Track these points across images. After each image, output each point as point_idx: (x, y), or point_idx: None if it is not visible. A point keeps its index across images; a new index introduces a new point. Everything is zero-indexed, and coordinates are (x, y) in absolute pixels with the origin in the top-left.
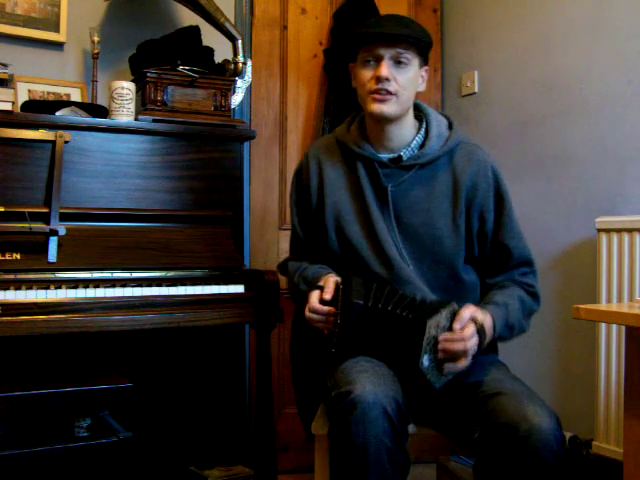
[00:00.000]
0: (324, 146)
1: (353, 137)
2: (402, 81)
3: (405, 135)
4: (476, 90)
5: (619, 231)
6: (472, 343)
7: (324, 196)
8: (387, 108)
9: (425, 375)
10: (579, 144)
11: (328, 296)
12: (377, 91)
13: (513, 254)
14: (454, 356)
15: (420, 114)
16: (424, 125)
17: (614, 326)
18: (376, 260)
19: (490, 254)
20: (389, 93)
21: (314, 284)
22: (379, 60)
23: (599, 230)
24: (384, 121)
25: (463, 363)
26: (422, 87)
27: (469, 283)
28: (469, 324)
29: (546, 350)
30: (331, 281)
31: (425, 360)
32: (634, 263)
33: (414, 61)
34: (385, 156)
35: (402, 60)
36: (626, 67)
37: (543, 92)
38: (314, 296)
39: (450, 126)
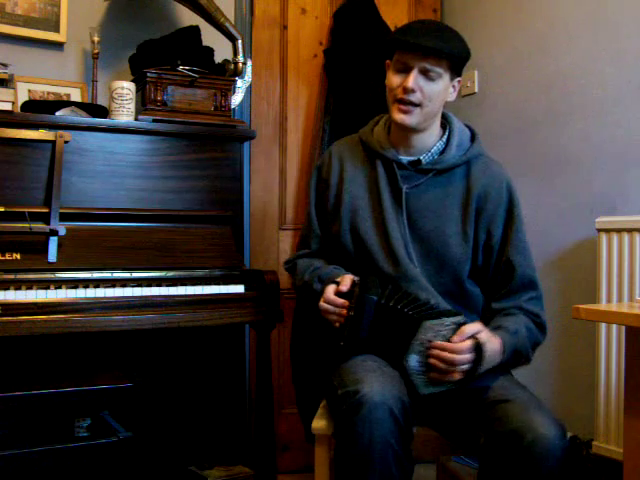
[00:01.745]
0: (347, 144)
1: (376, 137)
2: (428, 93)
3: (427, 142)
4: (476, 90)
5: (619, 231)
6: (463, 358)
7: (342, 191)
8: (409, 119)
9: (409, 375)
10: (579, 144)
11: (344, 288)
12: (402, 101)
13: (517, 271)
14: (441, 365)
15: (445, 122)
16: (447, 133)
17: (614, 326)
18: (384, 257)
19: (494, 269)
20: (413, 104)
21: (329, 282)
22: (409, 70)
23: (599, 230)
24: (407, 129)
25: (452, 376)
26: (452, 97)
27: (472, 293)
28: (468, 340)
29: (546, 350)
30: (348, 277)
31: (412, 360)
32: (634, 263)
33: (444, 75)
34: (405, 158)
35: (431, 74)
36: (626, 67)
37: (543, 92)
38: (330, 289)
39: (473, 139)
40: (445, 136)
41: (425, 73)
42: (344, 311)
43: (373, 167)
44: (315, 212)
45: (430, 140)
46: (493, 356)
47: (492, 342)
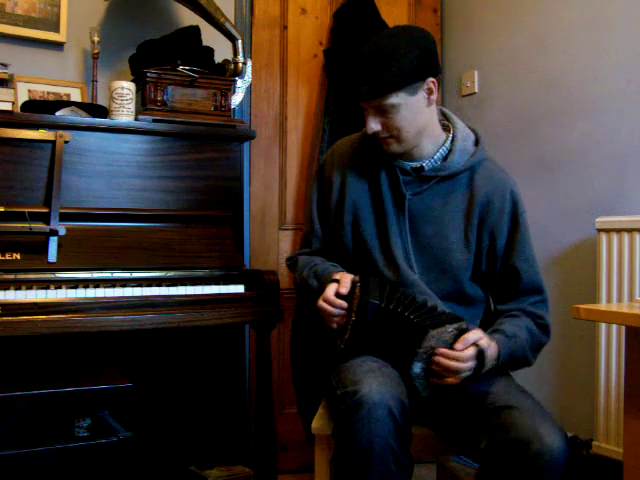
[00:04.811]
0: (351, 143)
1: (379, 142)
2: (392, 124)
3: (427, 150)
4: (476, 90)
5: (619, 231)
6: (467, 366)
7: (345, 192)
8: (393, 148)
9: (412, 380)
10: (579, 144)
11: (344, 290)
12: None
13: (522, 278)
14: (445, 371)
15: (449, 125)
16: (450, 137)
17: (614, 326)
18: (384, 262)
19: (499, 276)
20: (387, 138)
21: (327, 279)
22: (366, 110)
23: (599, 230)
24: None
25: (450, 381)
26: (434, 97)
27: (473, 296)
28: (470, 347)
29: (546, 350)
30: (348, 277)
31: (416, 367)
32: (634, 263)
33: (401, 99)
34: (408, 164)
35: (384, 107)
36: (626, 67)
37: (543, 92)
38: (331, 288)
39: (477, 142)
40: (448, 141)
41: (379, 110)
42: (343, 313)
43: (376, 171)
44: (317, 211)
45: (430, 147)
46: (491, 362)
47: (491, 348)
